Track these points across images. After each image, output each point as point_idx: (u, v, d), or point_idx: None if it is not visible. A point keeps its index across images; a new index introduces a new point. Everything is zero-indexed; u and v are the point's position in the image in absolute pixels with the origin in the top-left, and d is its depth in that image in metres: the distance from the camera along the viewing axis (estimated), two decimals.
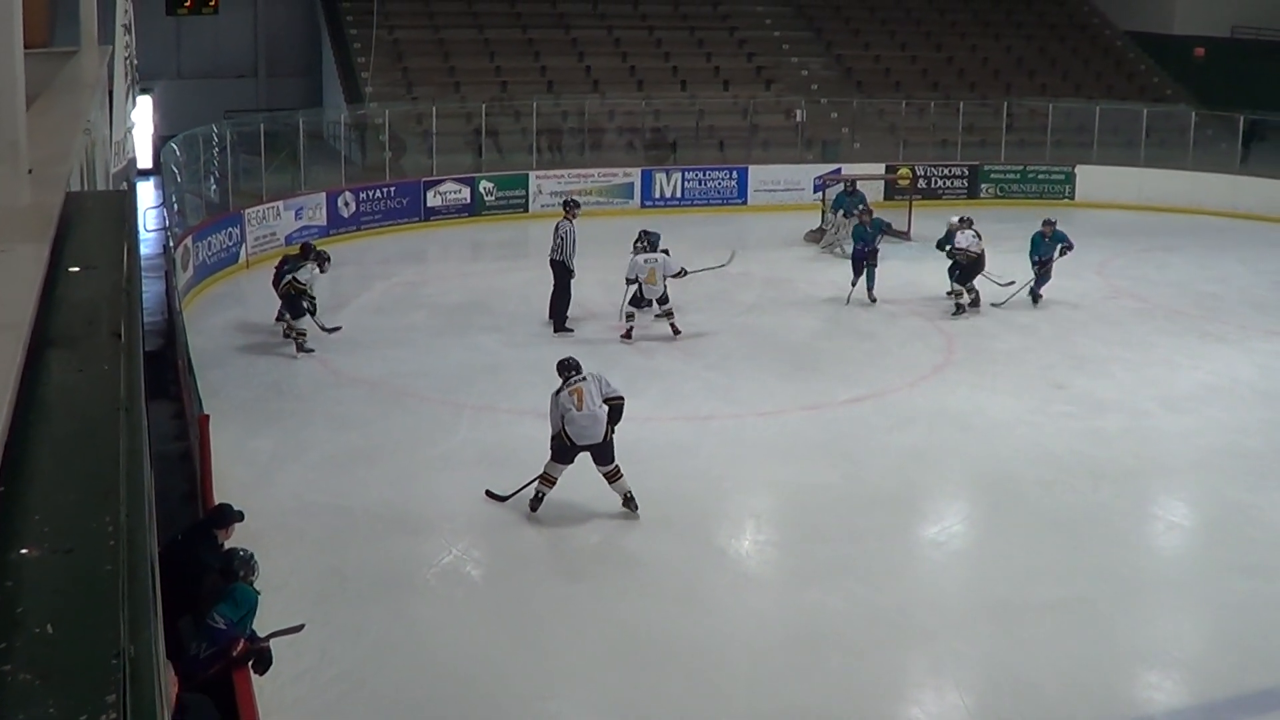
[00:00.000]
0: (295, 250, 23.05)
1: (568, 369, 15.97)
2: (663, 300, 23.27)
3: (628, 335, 23.13)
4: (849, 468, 15.73)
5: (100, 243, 5.89)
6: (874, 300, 26.03)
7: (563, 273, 23.67)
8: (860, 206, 31.36)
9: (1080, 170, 38.85)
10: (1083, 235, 33.89)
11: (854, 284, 26.04)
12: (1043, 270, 26.50)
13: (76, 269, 5.19)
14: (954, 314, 25.51)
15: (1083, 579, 14.75)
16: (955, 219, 27.02)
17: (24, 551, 2.94)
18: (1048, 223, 26.90)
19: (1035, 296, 26.53)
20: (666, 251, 23.91)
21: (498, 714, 11.76)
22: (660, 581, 14.43)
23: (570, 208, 24.50)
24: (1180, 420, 20.21)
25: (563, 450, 15.63)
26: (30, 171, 6.80)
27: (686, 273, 23.66)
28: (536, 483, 15.73)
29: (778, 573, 14.99)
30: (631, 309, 23.28)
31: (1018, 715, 12.05)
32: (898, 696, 12.56)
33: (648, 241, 23.63)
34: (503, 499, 15.94)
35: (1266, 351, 23.83)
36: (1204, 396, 21.28)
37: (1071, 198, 38.59)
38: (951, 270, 25.88)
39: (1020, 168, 39.16)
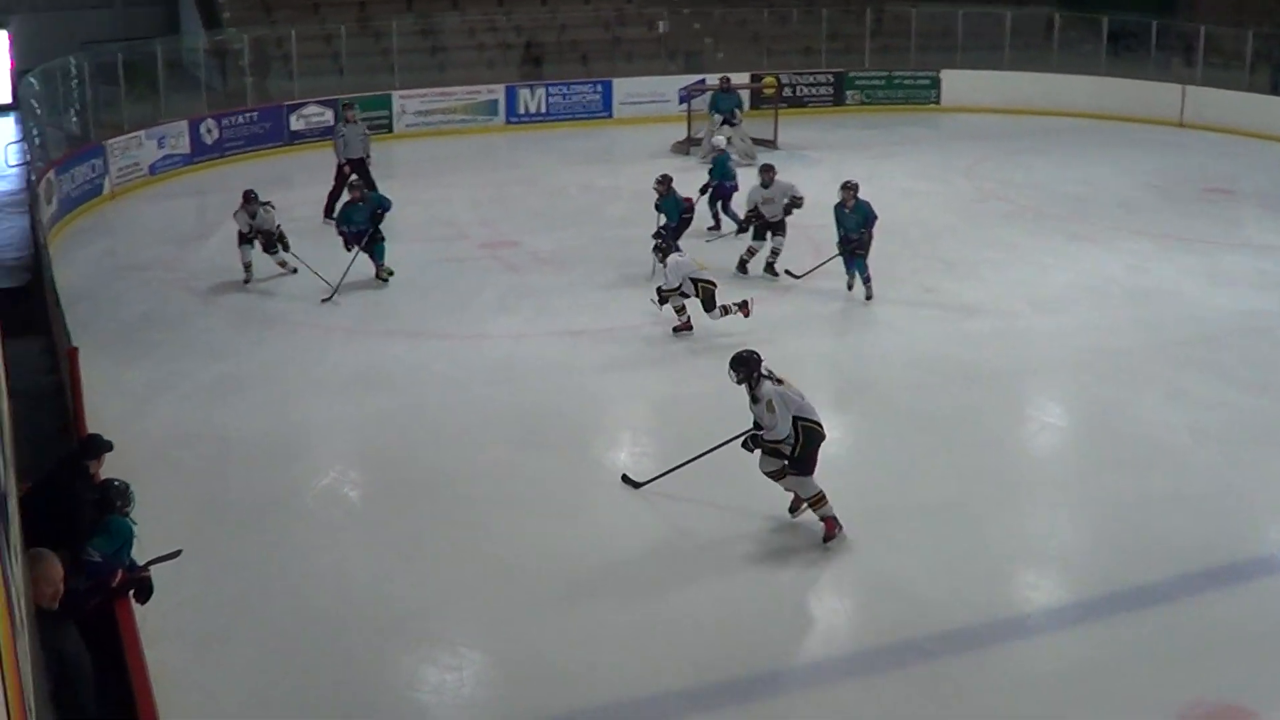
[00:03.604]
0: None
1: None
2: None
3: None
4: (721, 377, 15.72)
5: None
6: (870, 297, 20.96)
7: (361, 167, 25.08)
8: (737, 107, 31.39)
9: (945, 75, 38.98)
10: (949, 139, 34.30)
11: (849, 282, 21.18)
12: None
13: None
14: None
15: (957, 481, 14.95)
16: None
17: None
18: None
19: None
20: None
21: (379, 634, 11.75)
22: (539, 496, 14.47)
23: (348, 109, 26.22)
24: (1050, 321, 20.46)
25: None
26: None
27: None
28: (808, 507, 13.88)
29: (655, 484, 15.05)
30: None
31: (896, 619, 12.20)
32: (779, 603, 12.66)
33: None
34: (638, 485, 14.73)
35: (1133, 251, 24.11)
36: (1073, 297, 21.54)
37: (937, 102, 38.79)
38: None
39: (886, 74, 39.23)
